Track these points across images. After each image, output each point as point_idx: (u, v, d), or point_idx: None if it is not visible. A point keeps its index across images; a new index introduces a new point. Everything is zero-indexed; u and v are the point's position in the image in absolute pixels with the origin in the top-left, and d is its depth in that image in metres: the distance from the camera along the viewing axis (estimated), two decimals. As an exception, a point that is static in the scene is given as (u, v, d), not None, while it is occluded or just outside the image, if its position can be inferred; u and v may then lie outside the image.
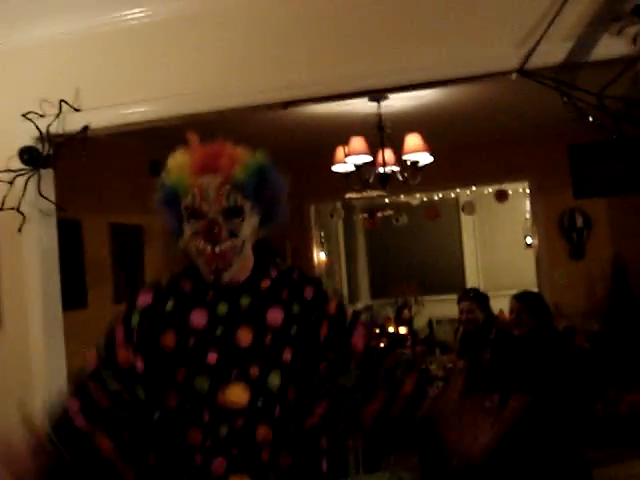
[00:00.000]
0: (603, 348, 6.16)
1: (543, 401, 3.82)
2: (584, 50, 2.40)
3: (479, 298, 4.92)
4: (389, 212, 9.69)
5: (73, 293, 4.46)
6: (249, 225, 1.72)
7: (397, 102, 4.90)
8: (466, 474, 3.67)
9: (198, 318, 1.72)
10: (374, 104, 4.82)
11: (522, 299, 4.22)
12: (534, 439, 3.80)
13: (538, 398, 3.82)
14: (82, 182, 4.57)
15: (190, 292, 1.78)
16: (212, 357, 1.68)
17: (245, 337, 1.69)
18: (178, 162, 1.75)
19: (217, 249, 1.67)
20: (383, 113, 4.91)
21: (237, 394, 1.65)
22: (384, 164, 4.90)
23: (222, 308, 1.73)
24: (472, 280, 9.75)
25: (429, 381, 4.88)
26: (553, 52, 2.42)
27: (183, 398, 1.67)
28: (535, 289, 6.88)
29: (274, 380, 1.66)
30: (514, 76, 2.46)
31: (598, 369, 5.81)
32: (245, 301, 1.73)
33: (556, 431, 3.82)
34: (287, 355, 1.69)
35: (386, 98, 4.74)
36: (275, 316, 1.72)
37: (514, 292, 4.34)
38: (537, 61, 2.43)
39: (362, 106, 4.85)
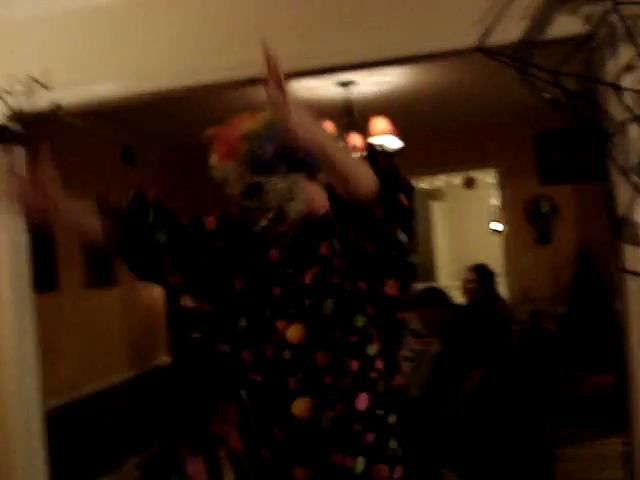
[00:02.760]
0: (569, 331, 6.29)
1: (495, 373, 3.95)
2: (540, 28, 2.48)
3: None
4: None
5: (43, 276, 4.48)
6: (276, 189, 1.74)
7: (365, 88, 4.97)
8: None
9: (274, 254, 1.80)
10: (341, 89, 4.89)
11: (478, 270, 4.51)
12: (494, 410, 3.91)
13: (491, 370, 3.95)
14: (54, 166, 4.58)
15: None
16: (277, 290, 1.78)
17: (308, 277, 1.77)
18: (211, 151, 1.80)
19: (257, 228, 1.76)
20: (351, 99, 4.97)
21: (293, 333, 1.74)
22: (353, 148, 4.97)
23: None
24: (443, 267, 9.88)
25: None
26: (510, 30, 2.48)
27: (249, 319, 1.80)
28: (502, 274, 7.04)
29: (327, 307, 1.73)
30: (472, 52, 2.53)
31: (564, 351, 5.93)
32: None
33: (521, 408, 3.92)
34: (336, 279, 1.75)
35: (353, 83, 4.80)
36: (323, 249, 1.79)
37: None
38: (495, 39, 2.49)
39: (330, 91, 4.91)
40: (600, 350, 5.96)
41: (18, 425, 3.14)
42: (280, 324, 1.76)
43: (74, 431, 4.90)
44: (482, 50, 2.47)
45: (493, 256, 8.01)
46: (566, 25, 2.48)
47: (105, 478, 5.26)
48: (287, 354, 1.74)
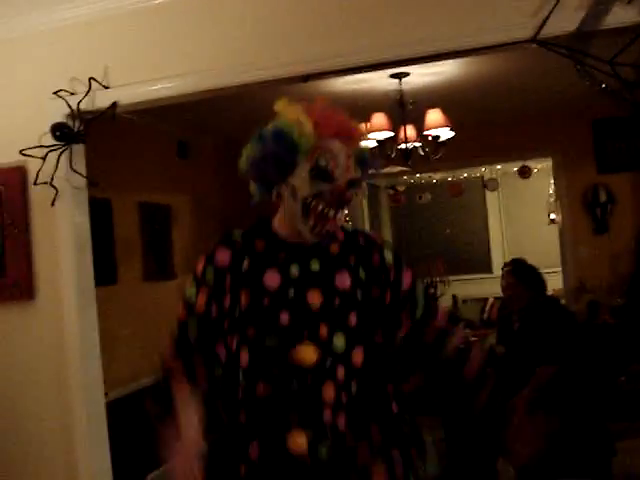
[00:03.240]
0: (627, 323, 6.18)
1: (567, 369, 3.88)
2: (596, 19, 2.44)
3: (521, 271, 4.31)
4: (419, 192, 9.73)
5: (104, 270, 4.58)
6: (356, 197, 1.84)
7: (418, 79, 4.95)
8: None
9: (271, 279, 1.76)
10: (395, 81, 4.87)
11: (515, 273, 4.25)
12: (561, 406, 3.87)
13: (563, 366, 3.88)
14: (112, 162, 4.69)
15: (263, 252, 1.81)
16: (284, 318, 1.73)
17: (315, 299, 1.74)
18: (298, 116, 1.73)
19: (339, 215, 1.74)
20: (404, 90, 4.96)
21: (308, 353, 1.71)
22: (406, 140, 4.96)
23: (294, 270, 1.77)
24: (497, 259, 9.78)
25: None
26: (566, 21, 2.46)
27: (254, 354, 1.74)
28: (559, 265, 6.95)
29: (339, 342, 1.72)
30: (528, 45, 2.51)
31: (622, 344, 5.83)
32: (315, 265, 1.78)
33: (581, 402, 3.88)
34: (352, 319, 1.75)
35: (406, 75, 4.79)
36: (343, 280, 1.77)
37: (541, 270, 4.29)
38: (550, 30, 2.48)
39: (383, 83, 4.90)
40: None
41: (82, 415, 3.22)
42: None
43: (134, 421, 5.00)
44: (538, 42, 2.45)
45: (549, 247, 7.94)
46: (622, 15, 2.44)
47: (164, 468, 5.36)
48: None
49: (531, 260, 4.49)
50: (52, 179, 3.09)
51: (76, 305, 3.23)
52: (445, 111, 4.94)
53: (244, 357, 1.75)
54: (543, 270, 4.30)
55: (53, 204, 3.14)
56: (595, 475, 3.87)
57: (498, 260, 9.68)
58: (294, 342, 1.71)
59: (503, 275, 4.36)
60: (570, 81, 2.81)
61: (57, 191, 3.12)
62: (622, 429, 4.78)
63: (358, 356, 1.75)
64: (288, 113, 1.75)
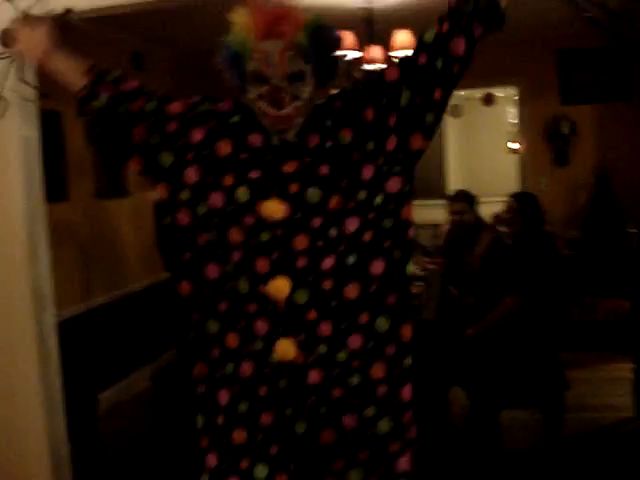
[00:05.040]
0: (582, 255, 6.25)
1: (531, 303, 3.90)
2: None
3: (470, 200, 5.00)
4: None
5: (54, 186, 4.41)
6: (309, 87, 1.80)
7: (387, -2, 4.77)
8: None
9: (255, 139, 1.85)
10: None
11: (518, 198, 4.27)
12: (518, 338, 3.90)
13: (527, 300, 3.91)
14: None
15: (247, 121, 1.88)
16: (254, 173, 1.80)
17: (290, 167, 1.81)
18: (241, 24, 1.78)
19: (282, 112, 1.77)
20: (373, 9, 4.78)
21: (273, 208, 1.77)
22: (372, 61, 4.81)
23: (275, 140, 1.84)
24: (455, 186, 9.76)
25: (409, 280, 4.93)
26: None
27: (226, 202, 1.81)
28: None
29: (313, 194, 1.77)
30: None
31: (576, 275, 5.90)
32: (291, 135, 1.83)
33: (535, 333, 3.91)
34: (324, 170, 1.80)
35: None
36: (312, 139, 1.83)
37: (497, 198, 4.37)
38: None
39: (350, 3, 4.72)
40: (613, 275, 5.94)
41: (32, 334, 3.13)
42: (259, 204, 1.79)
43: (85, 341, 4.93)
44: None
45: (508, 176, 7.94)
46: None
47: (116, 388, 5.33)
48: (265, 235, 1.78)
49: (490, 189, 4.57)
50: (1, 90, 2.89)
51: (25, 221, 3.09)
52: (414, 34, 4.78)
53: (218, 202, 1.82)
54: (500, 199, 4.35)
55: (1, 116, 2.95)
56: (547, 406, 3.94)
57: (455, 186, 9.68)
58: (262, 197, 1.78)
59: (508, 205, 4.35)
60: (539, 8, 2.70)
61: (5, 103, 2.92)
62: (572, 359, 4.87)
63: (334, 203, 1.78)
64: (236, 22, 1.80)
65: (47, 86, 3.13)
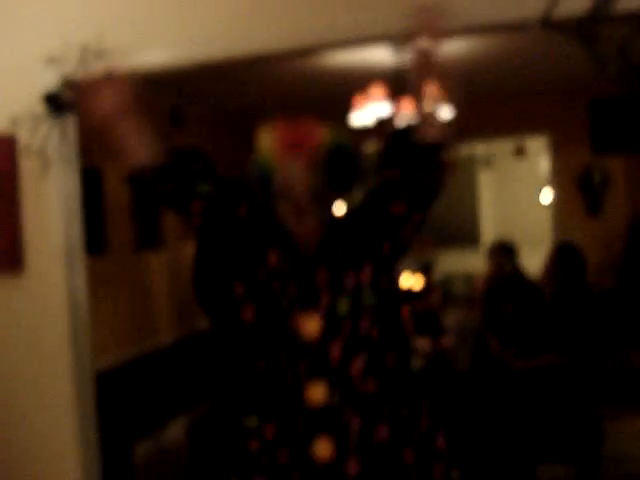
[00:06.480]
0: (617, 305, 6.18)
1: (573, 363, 3.87)
2: (607, 3, 2.38)
3: (509, 251, 5.09)
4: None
5: (94, 240, 4.51)
6: (330, 200, 1.92)
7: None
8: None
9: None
10: (394, 54, 4.78)
11: (560, 251, 4.24)
12: (557, 392, 3.85)
13: (570, 359, 3.87)
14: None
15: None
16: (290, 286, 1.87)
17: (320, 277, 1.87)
18: (265, 141, 1.87)
19: (307, 222, 1.87)
20: (403, 63, 4.86)
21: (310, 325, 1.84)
22: (403, 114, 4.87)
23: (302, 251, 1.91)
24: (487, 236, 9.74)
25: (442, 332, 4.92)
26: (575, 4, 2.40)
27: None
28: (549, 244, 6.91)
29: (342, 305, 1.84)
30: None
31: (612, 328, 5.83)
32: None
33: (572, 387, 3.86)
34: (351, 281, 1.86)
35: (405, 49, 4.68)
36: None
37: (532, 247, 4.33)
38: (559, 12, 2.41)
39: (381, 54, 4.80)
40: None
41: (70, 384, 3.19)
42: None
43: (122, 392, 4.97)
44: (548, 24, 2.39)
45: (541, 227, 7.90)
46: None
47: (150, 440, 5.35)
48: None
49: (523, 239, 4.54)
50: (43, 150, 3.01)
51: (65, 273, 3.18)
52: (441, 86, 4.85)
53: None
54: (532, 249, 4.32)
55: (44, 175, 3.06)
56: (583, 460, 3.87)
57: (488, 238, 9.66)
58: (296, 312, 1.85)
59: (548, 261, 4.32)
60: (569, 58, 2.75)
61: (48, 161, 3.04)
62: (609, 412, 4.80)
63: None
64: (262, 140, 1.88)
65: (88, 143, 3.26)
